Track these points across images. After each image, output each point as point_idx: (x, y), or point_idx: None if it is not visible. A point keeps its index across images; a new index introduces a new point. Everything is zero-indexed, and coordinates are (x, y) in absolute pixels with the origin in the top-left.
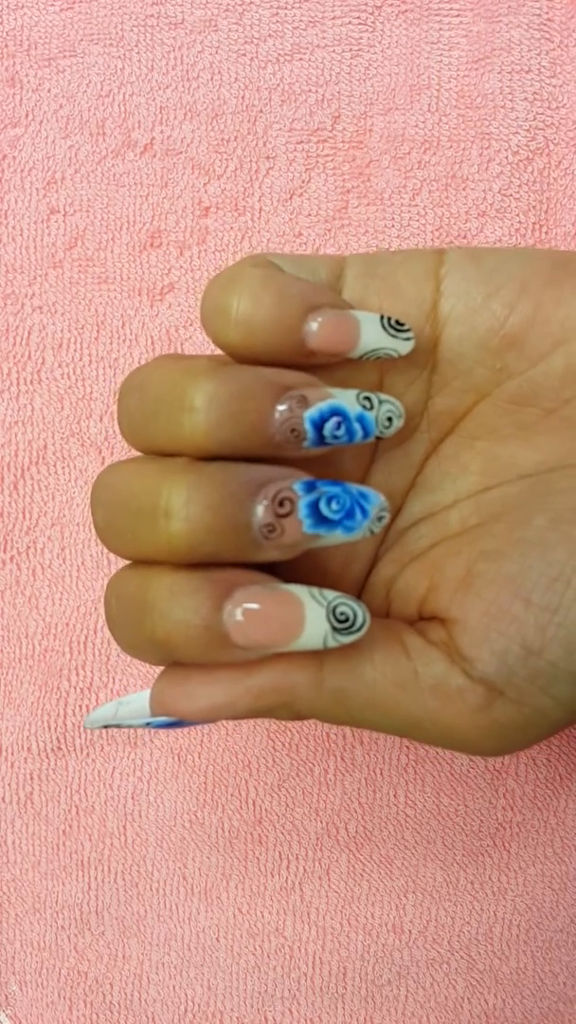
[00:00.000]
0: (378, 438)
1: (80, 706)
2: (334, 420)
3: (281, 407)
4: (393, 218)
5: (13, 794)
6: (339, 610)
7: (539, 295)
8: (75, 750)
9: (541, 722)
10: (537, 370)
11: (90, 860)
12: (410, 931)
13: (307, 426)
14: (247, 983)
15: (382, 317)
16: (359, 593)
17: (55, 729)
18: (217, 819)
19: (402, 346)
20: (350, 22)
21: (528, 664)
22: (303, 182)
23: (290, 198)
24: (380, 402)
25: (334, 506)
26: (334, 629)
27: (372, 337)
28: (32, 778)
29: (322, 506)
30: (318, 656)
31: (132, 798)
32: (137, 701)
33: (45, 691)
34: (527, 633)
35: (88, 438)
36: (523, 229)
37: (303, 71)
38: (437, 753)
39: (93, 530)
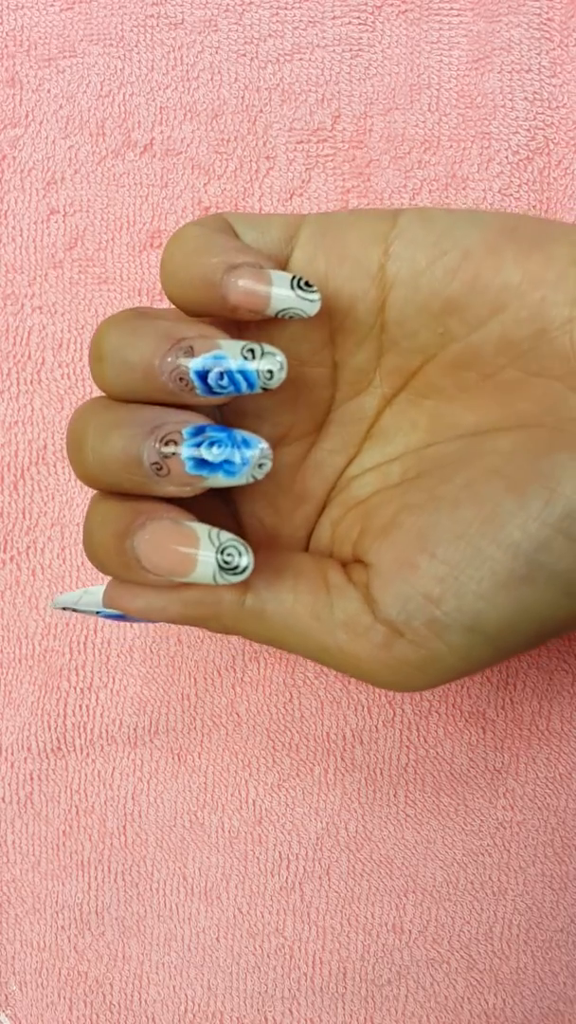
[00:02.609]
0: (265, 389)
1: (80, 706)
2: (216, 371)
3: (169, 358)
4: None
5: (13, 794)
6: (227, 551)
7: (480, 262)
8: (75, 750)
9: (437, 665)
10: (476, 336)
11: (90, 860)
12: (410, 931)
13: (192, 376)
14: (247, 983)
15: (293, 277)
16: (311, 531)
17: (55, 729)
18: (217, 819)
19: (309, 307)
20: (350, 22)
21: (426, 612)
22: (303, 182)
23: (290, 198)
24: (263, 354)
25: (215, 450)
26: (221, 569)
27: (283, 296)
28: (32, 778)
29: (203, 449)
30: (245, 582)
31: (132, 798)
32: (97, 593)
33: (45, 691)
34: (428, 584)
35: None
36: None
37: (303, 71)
38: (437, 753)
39: None
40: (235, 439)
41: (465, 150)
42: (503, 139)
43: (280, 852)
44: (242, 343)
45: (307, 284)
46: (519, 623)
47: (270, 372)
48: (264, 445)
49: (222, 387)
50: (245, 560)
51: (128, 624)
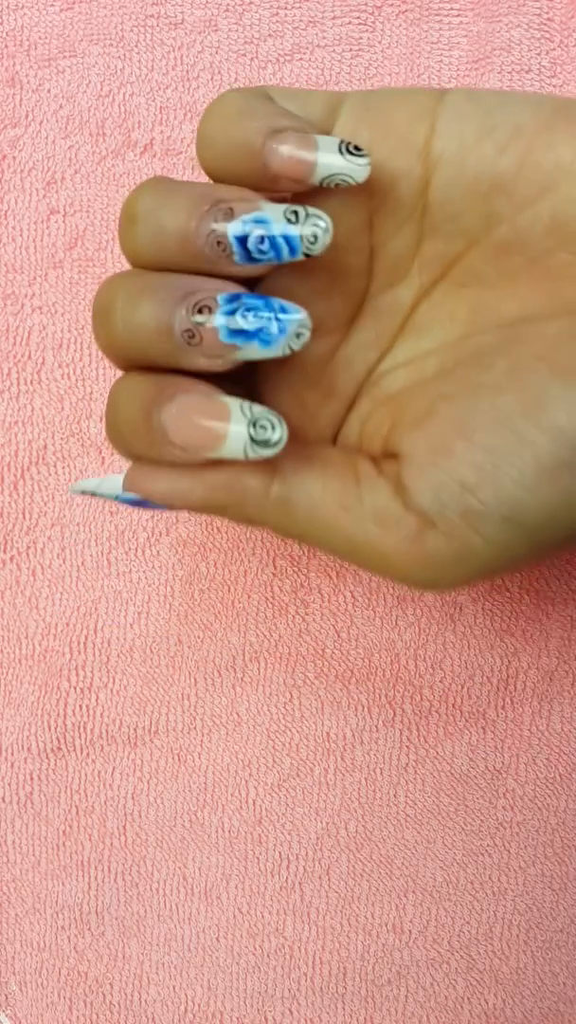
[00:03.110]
0: (307, 255)
1: (80, 706)
2: (257, 234)
3: (206, 220)
4: None
5: (13, 794)
6: (259, 423)
7: (531, 139)
8: (75, 750)
9: (471, 559)
10: (523, 217)
11: (90, 860)
12: (410, 931)
13: (231, 239)
14: (247, 983)
15: (340, 141)
16: (338, 429)
17: (55, 729)
18: (217, 819)
19: (358, 172)
20: (350, 22)
21: (461, 500)
22: None
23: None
24: (307, 216)
25: (251, 318)
26: (253, 442)
27: (329, 160)
28: (32, 778)
29: (239, 317)
30: (272, 465)
31: (132, 798)
32: (116, 480)
33: (45, 691)
34: (464, 471)
35: (88, 438)
36: None
37: (303, 71)
38: (437, 753)
39: (93, 531)
40: (272, 306)
41: None
42: None
43: (280, 852)
44: (284, 206)
45: (356, 147)
46: (559, 514)
47: (314, 236)
48: (303, 314)
49: (262, 252)
50: (278, 433)
51: (128, 624)
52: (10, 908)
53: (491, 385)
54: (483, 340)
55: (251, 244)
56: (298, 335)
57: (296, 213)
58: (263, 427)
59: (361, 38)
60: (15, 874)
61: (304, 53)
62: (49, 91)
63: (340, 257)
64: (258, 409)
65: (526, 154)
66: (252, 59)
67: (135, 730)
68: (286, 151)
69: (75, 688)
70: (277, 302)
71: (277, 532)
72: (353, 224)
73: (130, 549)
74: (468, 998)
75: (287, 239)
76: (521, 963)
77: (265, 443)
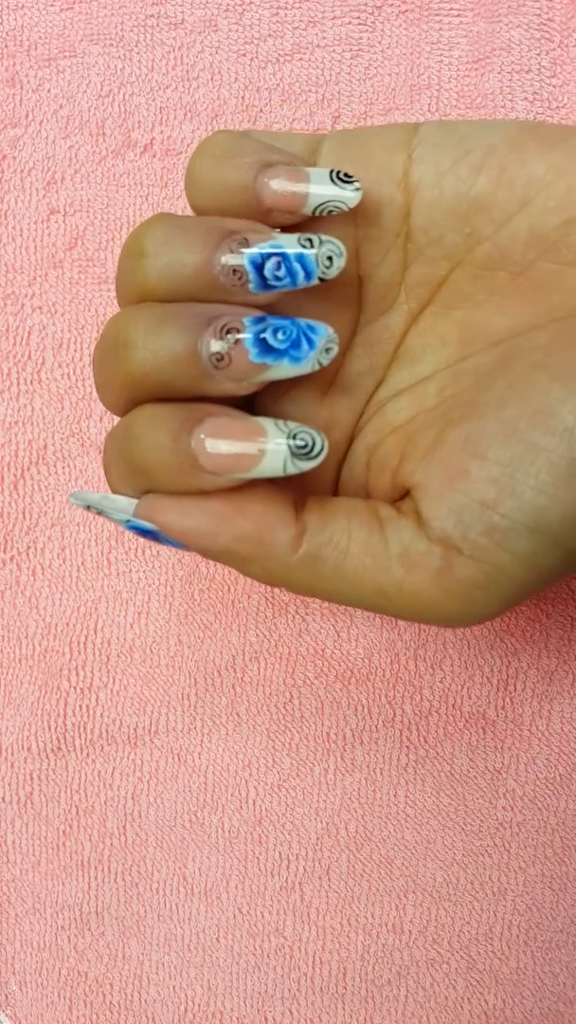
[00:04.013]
0: (322, 280)
1: (80, 706)
2: (274, 260)
3: (221, 250)
4: None
5: (13, 794)
6: (299, 436)
7: (504, 158)
8: (75, 750)
9: (502, 580)
10: (503, 233)
11: (90, 860)
12: (410, 931)
13: (248, 266)
14: (247, 983)
15: (331, 171)
16: (341, 463)
17: (55, 729)
18: (217, 819)
19: (350, 197)
20: (350, 22)
21: (484, 518)
22: None
23: None
24: (321, 242)
25: (280, 336)
26: (293, 455)
27: (321, 189)
28: (32, 778)
29: (268, 335)
30: (300, 520)
31: (132, 798)
32: (123, 500)
33: (45, 691)
34: (482, 488)
35: (88, 438)
36: None
37: (303, 71)
38: (437, 753)
39: (93, 530)
40: (299, 325)
41: None
42: None
43: (280, 852)
44: (297, 234)
45: (346, 175)
46: None
47: (329, 259)
48: (330, 329)
49: (278, 278)
50: (319, 444)
51: (128, 624)
52: (10, 908)
53: (494, 402)
54: (478, 361)
55: (268, 271)
56: (327, 350)
57: (310, 240)
58: (303, 438)
59: (361, 38)
60: (15, 874)
61: (304, 53)
62: (49, 91)
63: (330, 288)
64: (293, 423)
65: (501, 172)
66: (252, 59)
67: (135, 730)
68: (278, 185)
69: (75, 688)
70: (303, 320)
71: (294, 590)
72: None
73: (130, 549)
74: (468, 998)
75: (303, 264)
76: (521, 963)
77: (307, 454)
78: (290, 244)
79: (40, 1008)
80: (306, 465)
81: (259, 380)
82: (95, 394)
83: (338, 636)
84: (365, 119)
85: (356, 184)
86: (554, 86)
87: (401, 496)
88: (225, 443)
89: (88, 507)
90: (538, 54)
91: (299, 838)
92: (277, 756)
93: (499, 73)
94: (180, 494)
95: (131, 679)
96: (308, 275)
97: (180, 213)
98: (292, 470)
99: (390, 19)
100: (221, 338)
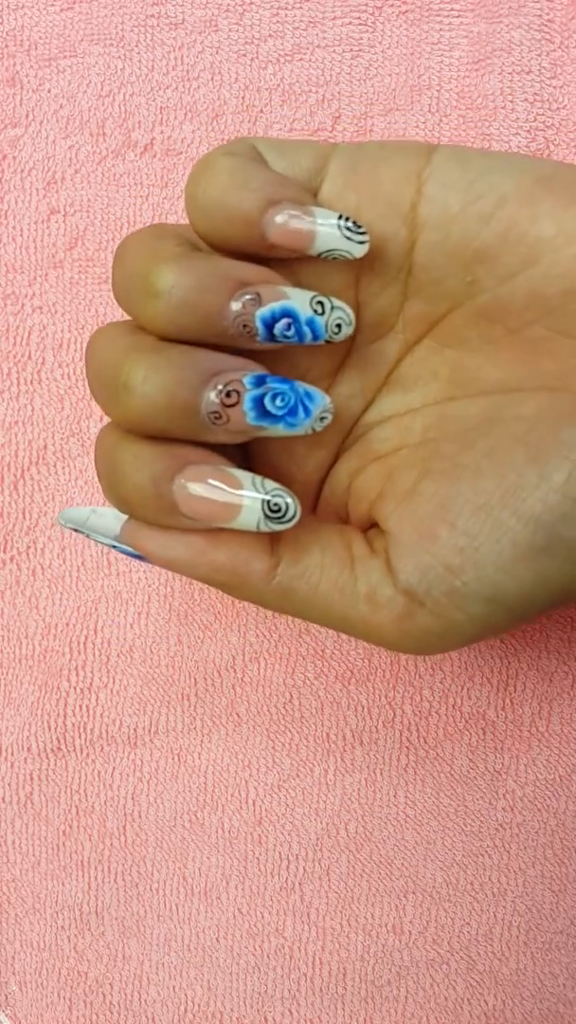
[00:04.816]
0: (328, 342)
1: (80, 706)
2: (284, 321)
3: (235, 304)
4: None
5: (13, 794)
6: (273, 502)
7: (515, 211)
8: (75, 750)
9: (457, 633)
10: (505, 288)
11: (90, 860)
12: (410, 932)
13: (258, 324)
14: (247, 983)
15: (339, 217)
16: (323, 480)
17: (55, 729)
18: (217, 820)
19: (356, 249)
20: (351, 22)
21: (446, 582)
22: None
23: None
24: (332, 308)
25: (279, 402)
26: (267, 517)
27: (328, 237)
28: (32, 778)
29: (267, 401)
30: (275, 554)
31: (132, 798)
32: (110, 516)
33: (45, 691)
34: (448, 555)
35: (88, 438)
36: None
37: (303, 71)
38: (437, 754)
39: None
40: (298, 392)
41: None
42: (504, 140)
43: (280, 853)
44: (311, 294)
45: (355, 225)
46: (537, 593)
47: (338, 327)
48: (327, 400)
49: (287, 337)
50: (292, 509)
51: (128, 624)
52: (10, 908)
53: (472, 467)
54: (467, 409)
55: (277, 329)
56: (321, 419)
57: (321, 304)
58: (276, 503)
59: (362, 38)
60: (15, 874)
61: (304, 53)
62: (49, 91)
63: None
64: (270, 484)
65: (509, 227)
66: (252, 59)
67: (135, 730)
68: (285, 224)
69: (75, 688)
70: (301, 387)
71: (268, 608)
72: (339, 282)
73: None
74: (468, 999)
75: (312, 327)
76: (521, 964)
77: (280, 518)
78: (302, 306)
79: (40, 1008)
80: (278, 527)
81: (253, 436)
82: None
83: (338, 637)
84: (365, 119)
85: (364, 235)
86: (554, 87)
87: (374, 525)
88: (203, 496)
89: (76, 530)
90: (538, 55)
91: (299, 838)
92: (277, 756)
93: (499, 74)
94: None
95: (131, 679)
96: (316, 337)
97: (179, 213)
98: (264, 529)
99: (391, 19)
100: (221, 399)
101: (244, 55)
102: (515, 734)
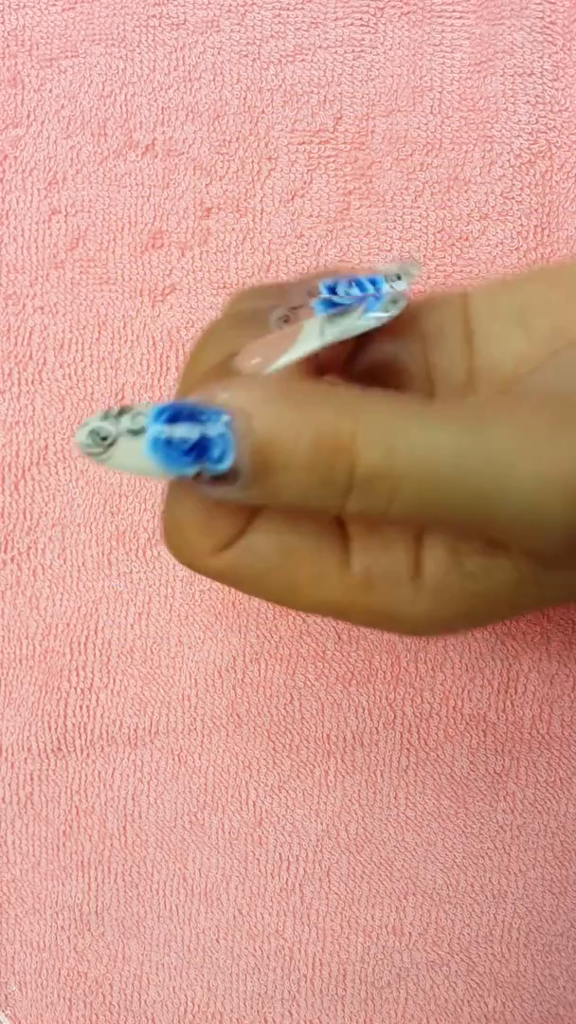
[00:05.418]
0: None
1: (80, 707)
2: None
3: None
4: (395, 220)
5: (13, 795)
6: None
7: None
8: (75, 751)
9: None
10: None
11: (90, 861)
12: (410, 933)
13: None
14: (247, 984)
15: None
16: None
17: (55, 729)
18: (217, 820)
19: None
20: (352, 23)
21: None
22: (305, 183)
23: (292, 199)
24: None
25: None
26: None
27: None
28: (32, 779)
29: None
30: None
31: (132, 799)
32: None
33: (45, 691)
34: None
35: None
36: (525, 232)
37: (305, 72)
38: (438, 755)
39: (94, 531)
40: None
41: (467, 153)
42: (505, 142)
43: (280, 854)
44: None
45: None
46: None
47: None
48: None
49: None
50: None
51: (129, 624)
52: (10, 908)
53: None
54: None
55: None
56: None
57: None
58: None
59: (363, 39)
60: (15, 874)
61: (306, 54)
62: (51, 91)
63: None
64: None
65: None
66: (254, 60)
67: (135, 731)
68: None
69: (75, 689)
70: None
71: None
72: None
73: (131, 550)
74: (468, 1001)
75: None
76: (521, 966)
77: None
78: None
79: (40, 1008)
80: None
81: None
82: (96, 394)
83: (339, 638)
84: (367, 120)
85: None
86: (557, 89)
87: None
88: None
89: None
90: (540, 57)
91: (299, 840)
92: (277, 758)
93: (501, 76)
94: None
95: (131, 680)
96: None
97: (180, 214)
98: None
99: (392, 20)
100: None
101: (246, 56)
102: (516, 736)
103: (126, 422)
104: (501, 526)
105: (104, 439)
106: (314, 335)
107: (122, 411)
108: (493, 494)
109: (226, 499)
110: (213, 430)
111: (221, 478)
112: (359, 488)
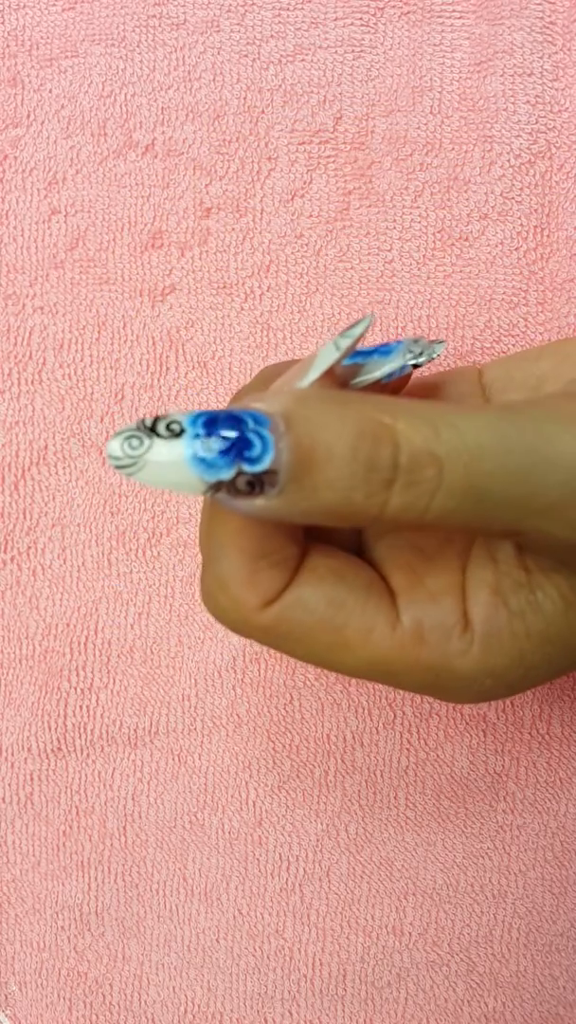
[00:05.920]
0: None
1: (80, 706)
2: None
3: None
4: (395, 220)
5: (13, 794)
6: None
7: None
8: (75, 751)
9: None
10: None
11: (90, 861)
12: (410, 933)
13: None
14: (247, 984)
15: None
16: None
17: (55, 729)
18: (217, 820)
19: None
20: (352, 23)
21: None
22: (305, 183)
23: (292, 199)
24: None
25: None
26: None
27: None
28: (32, 779)
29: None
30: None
31: (132, 799)
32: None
33: (45, 691)
34: None
35: (89, 439)
36: (525, 232)
37: (305, 72)
38: (438, 755)
39: (94, 531)
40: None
41: (467, 153)
42: (505, 142)
43: (280, 854)
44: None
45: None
46: None
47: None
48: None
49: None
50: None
51: (129, 624)
52: (10, 908)
53: None
54: None
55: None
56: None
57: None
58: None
59: (363, 39)
60: (15, 874)
61: (306, 54)
62: (51, 91)
63: None
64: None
65: None
66: (254, 60)
67: (135, 731)
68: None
69: (75, 689)
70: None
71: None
72: None
73: (131, 550)
74: (468, 1001)
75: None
76: (521, 966)
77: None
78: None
79: (40, 1008)
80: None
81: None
82: (96, 394)
83: None
84: (367, 120)
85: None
86: (556, 90)
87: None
88: None
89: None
90: (540, 57)
91: (299, 840)
92: (277, 758)
93: (501, 76)
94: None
95: (131, 680)
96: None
97: (180, 214)
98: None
99: (392, 20)
100: None
101: (246, 56)
102: (516, 736)
103: (161, 429)
104: (543, 507)
105: (139, 448)
106: (330, 350)
107: (156, 421)
108: (538, 468)
109: (261, 515)
110: (251, 429)
111: (258, 484)
112: (404, 475)
